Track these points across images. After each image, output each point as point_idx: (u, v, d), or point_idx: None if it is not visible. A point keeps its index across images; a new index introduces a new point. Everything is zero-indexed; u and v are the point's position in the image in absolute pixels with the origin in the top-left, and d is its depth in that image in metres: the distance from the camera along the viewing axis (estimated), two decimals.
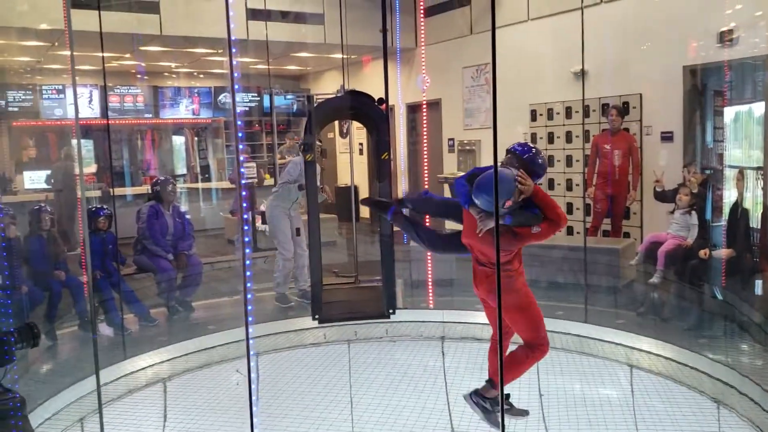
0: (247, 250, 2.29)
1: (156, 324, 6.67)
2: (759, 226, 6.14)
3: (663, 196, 6.79)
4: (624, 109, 7.93)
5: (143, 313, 6.69)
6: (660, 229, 6.97)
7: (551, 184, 9.38)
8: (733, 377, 4.68)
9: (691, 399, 4.74)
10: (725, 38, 6.93)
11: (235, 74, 2.50)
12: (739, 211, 6.13)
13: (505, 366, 3.91)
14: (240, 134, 2.67)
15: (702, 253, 6.06)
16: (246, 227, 2.29)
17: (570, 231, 9.12)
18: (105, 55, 9.54)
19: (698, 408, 4.59)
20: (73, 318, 6.39)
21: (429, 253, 6.80)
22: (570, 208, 9.16)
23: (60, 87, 11.93)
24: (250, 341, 2.41)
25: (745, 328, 5.52)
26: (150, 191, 7.48)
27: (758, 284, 5.67)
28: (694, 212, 6.35)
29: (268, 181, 11.30)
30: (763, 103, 6.84)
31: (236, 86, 2.51)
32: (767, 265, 5.82)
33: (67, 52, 10.79)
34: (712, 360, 4.97)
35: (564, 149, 9.23)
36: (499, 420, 3.56)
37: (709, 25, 7.15)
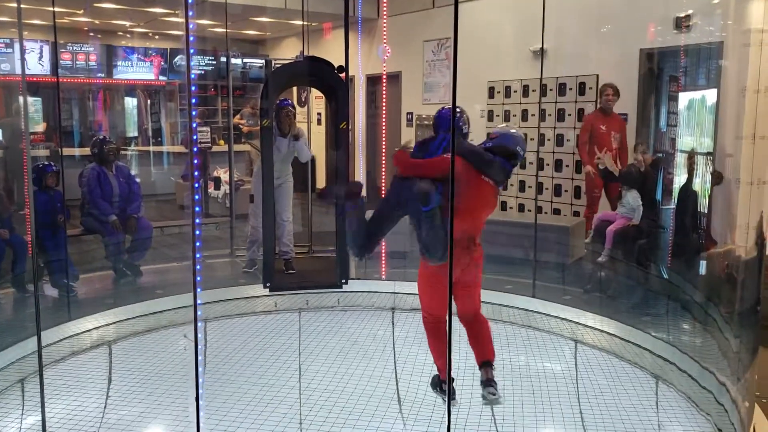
0: (197, 209, 2.25)
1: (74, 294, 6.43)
2: (706, 210, 6.30)
3: (608, 175, 6.86)
4: (616, 90, 7.36)
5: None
6: (610, 209, 7.10)
7: None
8: (673, 354, 4.82)
9: (632, 374, 4.87)
10: (682, 24, 7.02)
11: (192, 39, 2.43)
12: (688, 194, 6.28)
13: (487, 341, 4.10)
14: (194, 100, 2.61)
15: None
16: (197, 186, 2.25)
17: (522, 208, 9.24)
18: (57, 10, 9.20)
19: (638, 383, 4.72)
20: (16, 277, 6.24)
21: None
22: (522, 186, 9.27)
23: (8, 41, 11.49)
24: (198, 304, 2.38)
25: (687, 308, 5.69)
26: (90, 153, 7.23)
27: (702, 265, 5.83)
28: (635, 192, 6.47)
29: (222, 147, 11.14)
30: (715, 91, 6.98)
31: (192, 50, 2.44)
32: (712, 246, 5.99)
33: (15, 4, 10.39)
34: (653, 337, 5.11)
35: (520, 127, 9.30)
36: None
37: (666, 9, 7.25)
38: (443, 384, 4.07)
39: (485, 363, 4.12)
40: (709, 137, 7.05)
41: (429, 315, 4.09)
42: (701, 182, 6.47)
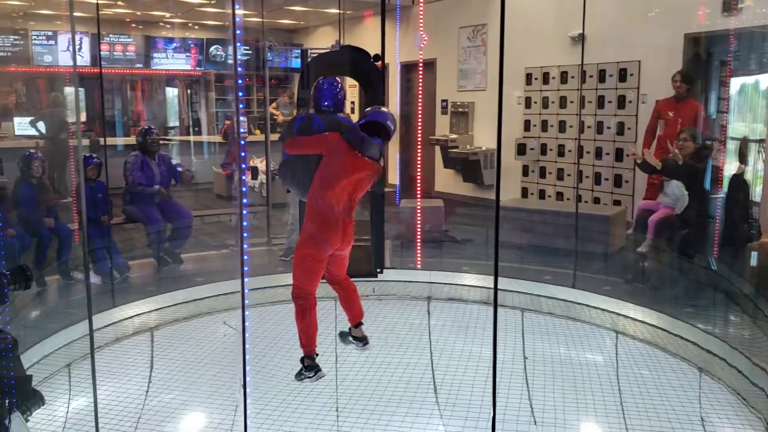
0: (245, 200, 2.26)
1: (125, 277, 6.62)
2: (759, 199, 6.13)
3: (647, 167, 6.72)
4: (686, 77, 7.01)
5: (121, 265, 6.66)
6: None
7: (544, 149, 9.37)
8: (721, 348, 4.72)
9: (675, 365, 4.79)
10: (732, 6, 6.82)
11: (239, 32, 2.44)
12: (738, 182, 6.12)
13: (359, 302, 4.57)
14: (240, 93, 2.62)
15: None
16: (243, 178, 2.26)
17: (560, 197, 9.15)
18: (99, 2, 9.33)
19: (683, 374, 4.64)
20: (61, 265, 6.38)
21: (419, 214, 6.82)
22: (561, 174, 9.17)
23: (50, 33, 11.69)
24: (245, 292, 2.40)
25: (733, 299, 5.56)
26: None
27: (753, 256, 5.65)
28: (678, 182, 6.33)
29: (258, 137, 11.19)
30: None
31: (238, 43, 2.44)
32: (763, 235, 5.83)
33: None
34: (697, 328, 5.02)
35: (557, 114, 9.20)
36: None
37: None
38: (306, 365, 4.19)
39: (359, 324, 4.55)
40: (761, 122, 6.84)
41: (300, 290, 4.22)
42: (753, 170, 6.30)
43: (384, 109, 4.36)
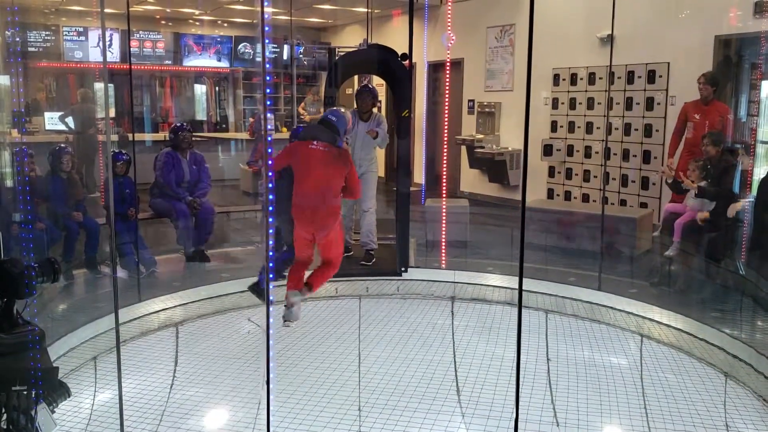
0: (270, 197, 2.28)
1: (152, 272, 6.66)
2: None
3: (676, 187, 6.61)
4: (712, 79, 6.91)
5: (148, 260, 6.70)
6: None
7: (570, 150, 9.31)
8: (745, 352, 4.66)
9: (701, 370, 4.74)
10: (764, 9, 6.73)
11: (267, 29, 2.46)
12: None
13: (320, 277, 4.92)
14: (268, 90, 2.64)
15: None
16: (270, 174, 2.27)
17: (586, 198, 9.08)
18: None
19: (708, 379, 4.59)
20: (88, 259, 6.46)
21: (444, 214, 6.81)
22: (587, 175, 9.10)
23: (81, 29, 11.85)
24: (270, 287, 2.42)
25: (761, 303, 5.49)
26: (167, 138, 7.40)
27: None
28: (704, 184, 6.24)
29: (285, 134, 11.25)
30: None
31: (267, 40, 2.46)
32: None
33: None
34: (723, 333, 4.95)
35: (585, 116, 9.13)
36: None
37: None
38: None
39: (308, 284, 4.86)
40: None
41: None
42: None
43: (335, 108, 5.03)
